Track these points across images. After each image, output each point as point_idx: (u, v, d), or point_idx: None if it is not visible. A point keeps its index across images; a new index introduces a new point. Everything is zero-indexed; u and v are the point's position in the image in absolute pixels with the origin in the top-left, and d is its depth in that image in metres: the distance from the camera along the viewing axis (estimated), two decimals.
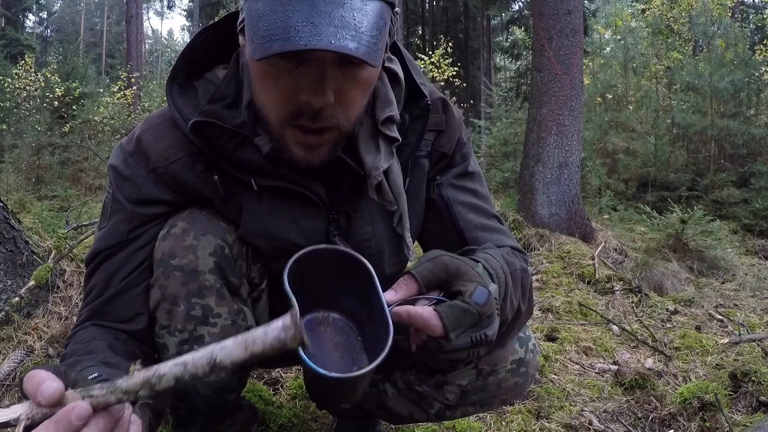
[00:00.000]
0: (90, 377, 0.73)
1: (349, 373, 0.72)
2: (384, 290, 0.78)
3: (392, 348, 0.72)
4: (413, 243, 1.04)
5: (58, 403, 0.56)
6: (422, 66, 11.01)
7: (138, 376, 0.57)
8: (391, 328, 0.73)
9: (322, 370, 0.69)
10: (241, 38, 0.87)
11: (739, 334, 2.43)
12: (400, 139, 0.92)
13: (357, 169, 0.90)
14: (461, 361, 0.79)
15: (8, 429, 0.57)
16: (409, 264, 1.14)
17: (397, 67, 0.95)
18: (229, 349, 0.57)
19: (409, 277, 0.81)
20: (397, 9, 0.83)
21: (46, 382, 0.56)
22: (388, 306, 0.76)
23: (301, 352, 0.68)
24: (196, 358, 0.58)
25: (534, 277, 3.28)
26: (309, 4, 0.70)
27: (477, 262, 0.84)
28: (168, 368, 0.58)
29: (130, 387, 0.57)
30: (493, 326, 0.79)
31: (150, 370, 0.57)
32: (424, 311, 0.76)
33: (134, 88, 12.91)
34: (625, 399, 1.84)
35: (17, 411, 0.56)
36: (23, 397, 0.59)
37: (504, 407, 1.69)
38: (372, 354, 0.79)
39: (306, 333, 0.63)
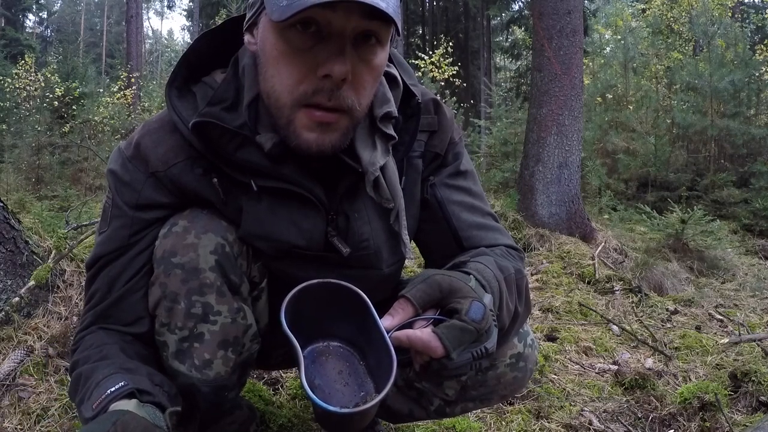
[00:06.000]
0: (116, 387, 0.77)
1: (356, 408, 0.74)
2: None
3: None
4: (410, 241, 1.04)
5: None
6: (422, 66, 11.01)
7: None
8: (394, 357, 0.75)
9: (331, 408, 0.72)
10: (247, 36, 0.88)
11: (739, 334, 2.43)
12: (396, 137, 0.93)
13: (354, 167, 0.91)
14: (464, 374, 0.82)
15: None
16: (406, 262, 1.14)
17: (394, 71, 0.98)
18: None
19: (404, 300, 0.82)
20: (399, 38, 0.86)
21: None
22: (387, 332, 0.77)
23: (309, 392, 0.71)
24: None
25: (534, 277, 3.28)
26: None
27: (468, 274, 0.86)
28: None
29: None
30: (491, 339, 0.81)
31: None
32: (423, 334, 0.77)
33: (134, 88, 12.91)
34: (625, 399, 1.84)
35: None
36: None
37: (504, 407, 1.69)
38: (376, 377, 0.82)
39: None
